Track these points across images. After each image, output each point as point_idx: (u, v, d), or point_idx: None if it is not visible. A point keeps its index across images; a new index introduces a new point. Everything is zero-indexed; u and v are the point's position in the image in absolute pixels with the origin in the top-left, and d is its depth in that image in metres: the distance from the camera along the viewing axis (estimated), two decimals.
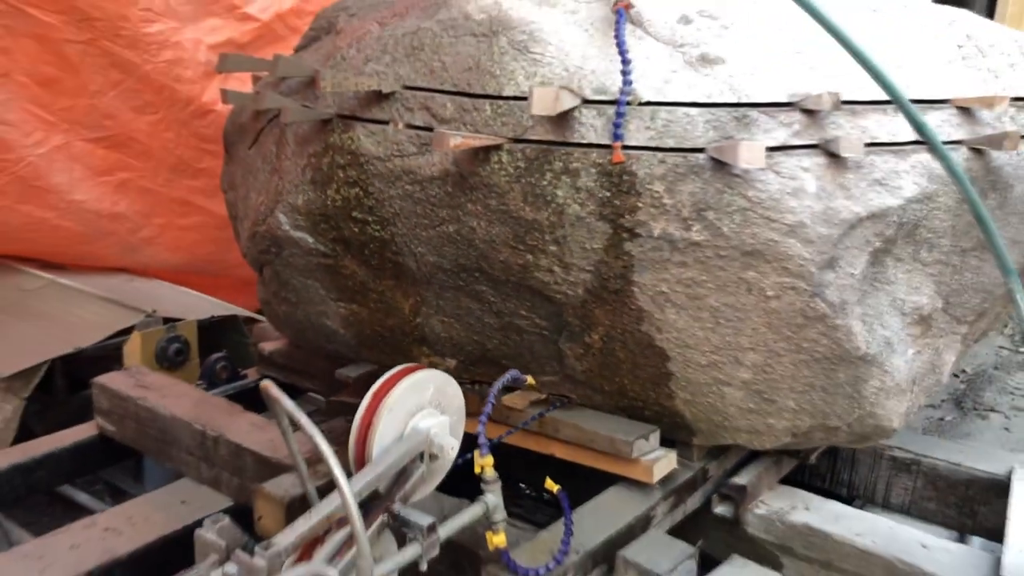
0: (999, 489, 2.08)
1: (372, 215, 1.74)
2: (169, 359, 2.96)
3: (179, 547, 1.94)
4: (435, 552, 1.43)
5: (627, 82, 1.46)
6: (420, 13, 1.77)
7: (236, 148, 2.15)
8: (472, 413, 1.78)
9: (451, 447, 1.51)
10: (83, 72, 3.05)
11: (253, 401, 2.50)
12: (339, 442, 1.55)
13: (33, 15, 2.88)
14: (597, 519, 1.74)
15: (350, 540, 1.33)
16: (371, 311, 1.94)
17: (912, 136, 1.57)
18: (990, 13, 3.53)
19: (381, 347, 2.02)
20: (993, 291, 1.85)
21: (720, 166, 1.44)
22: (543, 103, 1.38)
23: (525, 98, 1.50)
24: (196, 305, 3.31)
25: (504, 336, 1.84)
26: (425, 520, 1.41)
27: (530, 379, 1.68)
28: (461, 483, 1.72)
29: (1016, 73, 1.81)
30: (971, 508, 2.17)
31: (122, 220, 3.40)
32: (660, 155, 1.46)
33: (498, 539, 1.53)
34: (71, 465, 2.50)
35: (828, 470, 2.37)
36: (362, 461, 1.45)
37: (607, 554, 1.66)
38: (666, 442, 1.88)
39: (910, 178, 1.57)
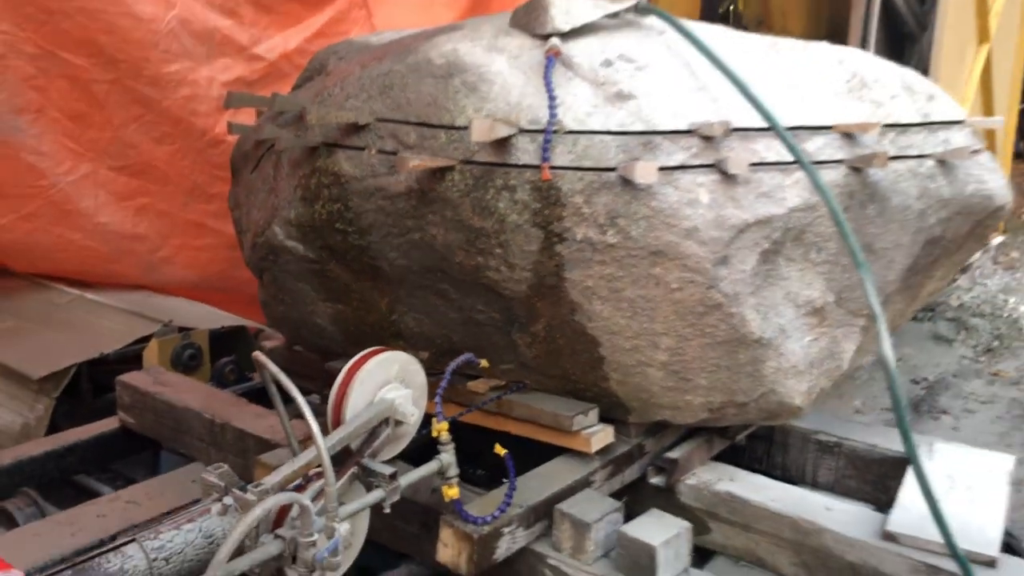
0: (906, 466, 2.37)
1: (352, 226, 2.08)
2: (184, 363, 3.29)
3: None
4: (396, 497, 1.74)
5: (553, 115, 1.79)
6: (393, 58, 2.12)
7: (241, 172, 2.50)
8: (443, 400, 2.11)
9: (412, 414, 1.84)
10: (109, 108, 3.39)
11: (258, 399, 2.83)
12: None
13: (66, 58, 3.23)
14: (542, 481, 2.05)
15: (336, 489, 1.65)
16: (354, 309, 2.27)
17: (791, 157, 1.90)
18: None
19: (364, 342, 2.33)
20: (883, 288, 2.16)
21: (627, 182, 1.77)
22: (480, 132, 1.72)
23: None
24: (208, 316, 3.64)
25: (466, 329, 2.16)
26: (388, 470, 1.73)
27: (483, 362, 2.01)
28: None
29: (897, 103, 2.14)
30: (884, 484, 2.46)
31: (142, 241, 3.73)
32: (580, 173, 1.79)
33: (452, 492, 1.84)
34: (95, 453, 2.83)
35: (764, 453, 2.67)
36: (337, 423, 1.78)
37: (547, 510, 1.97)
38: (609, 420, 2.20)
39: (794, 191, 1.90)
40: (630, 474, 2.26)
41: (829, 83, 2.11)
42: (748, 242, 1.86)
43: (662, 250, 1.81)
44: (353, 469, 1.75)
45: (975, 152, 2.19)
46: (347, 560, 1.76)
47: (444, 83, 1.94)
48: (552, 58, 1.87)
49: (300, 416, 1.55)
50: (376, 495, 1.71)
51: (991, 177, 2.22)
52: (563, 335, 2.02)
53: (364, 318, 2.27)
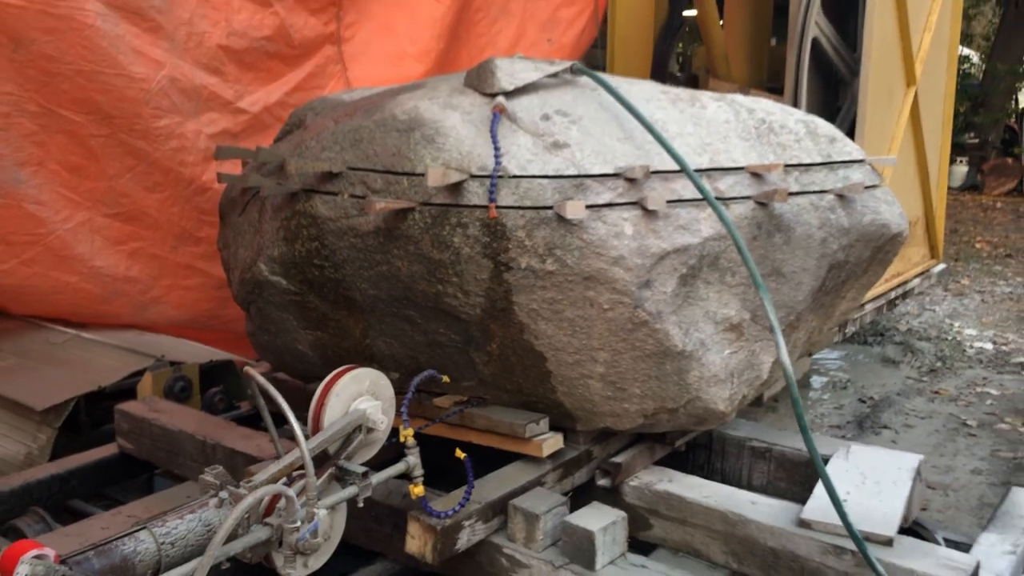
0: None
1: (328, 261, 2.37)
2: (175, 395, 3.54)
3: None
4: (368, 493, 2.02)
5: (497, 163, 2.10)
6: (363, 114, 2.42)
7: (229, 216, 2.79)
8: (411, 415, 2.40)
9: (381, 422, 2.11)
10: (104, 160, 3.65)
11: (246, 423, 3.08)
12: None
13: (65, 115, 3.50)
14: (499, 482, 2.33)
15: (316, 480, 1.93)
16: (331, 336, 2.55)
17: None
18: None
19: (341, 365, 2.62)
20: (794, 308, 2.47)
21: (562, 218, 2.07)
22: (435, 178, 2.02)
23: None
24: (198, 352, 3.89)
25: (431, 350, 2.45)
26: (360, 469, 2.01)
27: (445, 377, 2.29)
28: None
29: (800, 146, 2.46)
30: (810, 484, 2.72)
31: (134, 282, 3.96)
32: (521, 212, 2.09)
33: (417, 490, 2.11)
34: (96, 477, 3.08)
35: (705, 460, 2.96)
36: (316, 430, 2.05)
37: (503, 506, 2.25)
38: (560, 429, 2.48)
39: (707, 223, 2.21)
40: (580, 477, 2.53)
41: (741, 130, 2.43)
42: (668, 268, 2.16)
43: (594, 275, 2.11)
44: (331, 470, 2.03)
45: (871, 187, 2.51)
46: (326, 550, 2.03)
47: (406, 136, 2.24)
48: (497, 114, 2.19)
49: (285, 426, 1.83)
50: (351, 490, 1.99)
51: (886, 208, 2.55)
52: (514, 353, 2.30)
53: (341, 344, 2.55)
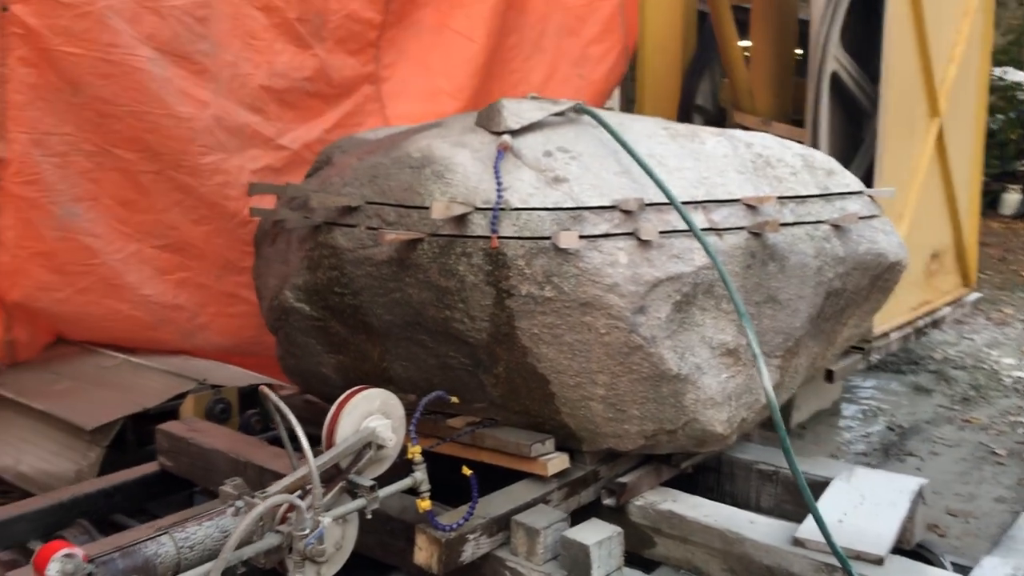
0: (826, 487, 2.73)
1: (347, 289, 2.53)
2: (215, 416, 3.72)
3: None
4: (376, 505, 2.16)
5: (500, 197, 2.25)
6: (382, 152, 2.60)
7: (261, 247, 2.98)
8: (426, 435, 2.55)
9: (391, 439, 2.26)
10: (153, 194, 3.87)
11: (278, 443, 3.25)
12: None
13: (118, 154, 3.73)
14: (505, 499, 2.45)
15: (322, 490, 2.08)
16: (352, 359, 2.71)
17: (701, 225, 2.33)
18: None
19: None
20: (792, 334, 2.56)
21: (558, 247, 2.21)
22: (438, 211, 2.18)
23: None
24: (238, 376, 4.08)
25: (443, 373, 2.59)
26: (368, 483, 2.15)
27: (454, 398, 2.43)
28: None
29: (797, 178, 2.57)
30: None
31: (181, 310, 4.16)
32: (521, 242, 2.23)
33: (424, 504, 2.25)
34: (138, 493, 3.28)
35: (715, 483, 3.04)
36: (330, 446, 2.20)
37: (507, 521, 2.37)
38: (567, 450, 2.59)
39: (701, 253, 2.32)
40: (586, 496, 2.64)
41: (739, 164, 2.54)
42: (662, 295, 2.28)
43: (590, 302, 2.24)
44: (342, 483, 2.17)
45: (867, 217, 2.60)
46: (338, 560, 2.18)
47: (418, 172, 2.40)
48: (501, 151, 2.34)
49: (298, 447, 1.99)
50: (359, 502, 2.13)
51: (883, 238, 2.63)
52: (519, 375, 2.43)
53: (360, 367, 2.71)
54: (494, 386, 2.51)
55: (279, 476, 2.85)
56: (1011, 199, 12.76)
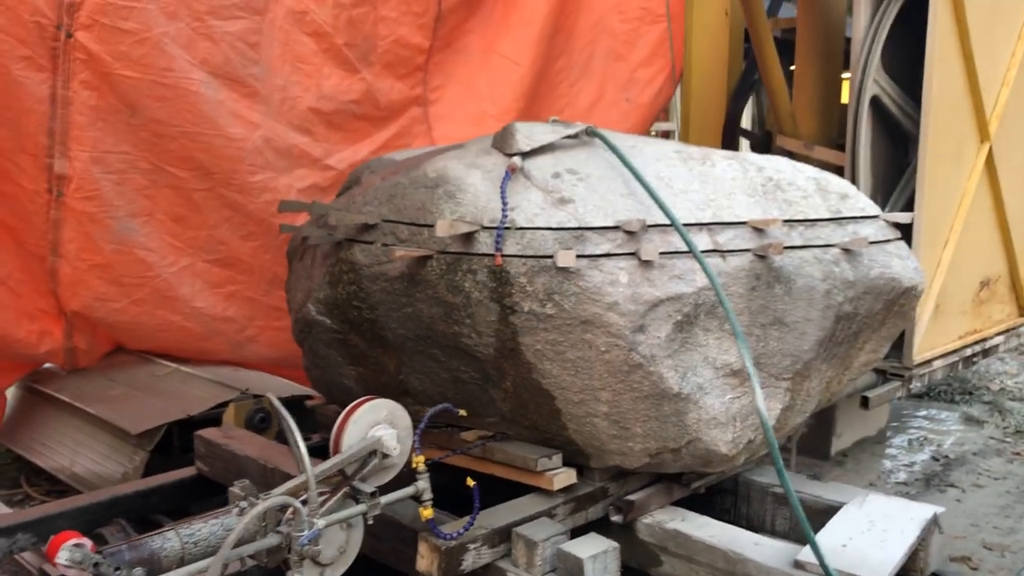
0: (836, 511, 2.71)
1: (364, 303, 2.63)
2: (255, 425, 3.87)
3: None
4: (377, 511, 2.24)
5: (504, 215, 2.33)
6: (403, 172, 2.70)
7: (292, 263, 3.11)
8: (440, 447, 2.63)
9: (395, 448, 2.33)
10: (204, 211, 4.06)
11: (318, 454, 3.37)
12: None
13: (171, 171, 3.93)
14: (509, 511, 2.50)
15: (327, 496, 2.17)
16: (371, 371, 2.81)
17: (705, 246, 2.36)
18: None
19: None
20: (800, 356, 2.57)
21: (559, 266, 2.27)
22: (442, 229, 2.26)
23: None
24: (280, 386, 4.23)
25: (456, 387, 2.67)
26: (370, 489, 2.23)
27: (462, 412, 2.51)
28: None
29: (808, 202, 2.58)
30: None
31: (231, 322, 4.33)
32: (524, 260, 2.30)
33: (427, 512, 2.32)
34: (175, 495, 3.41)
35: (732, 506, 3.04)
36: (336, 452, 2.29)
37: (509, 532, 2.42)
38: (576, 466, 2.63)
39: (703, 274, 2.35)
40: (594, 512, 2.68)
41: (748, 187, 2.57)
42: (662, 314, 2.32)
43: (590, 319, 2.29)
44: (345, 489, 2.26)
45: (882, 241, 2.59)
46: (343, 563, 2.26)
47: (432, 192, 2.49)
48: (509, 173, 2.42)
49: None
50: (360, 508, 2.21)
51: (898, 263, 2.62)
52: (526, 391, 2.49)
53: (379, 378, 2.80)
54: (503, 400, 2.57)
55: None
56: None
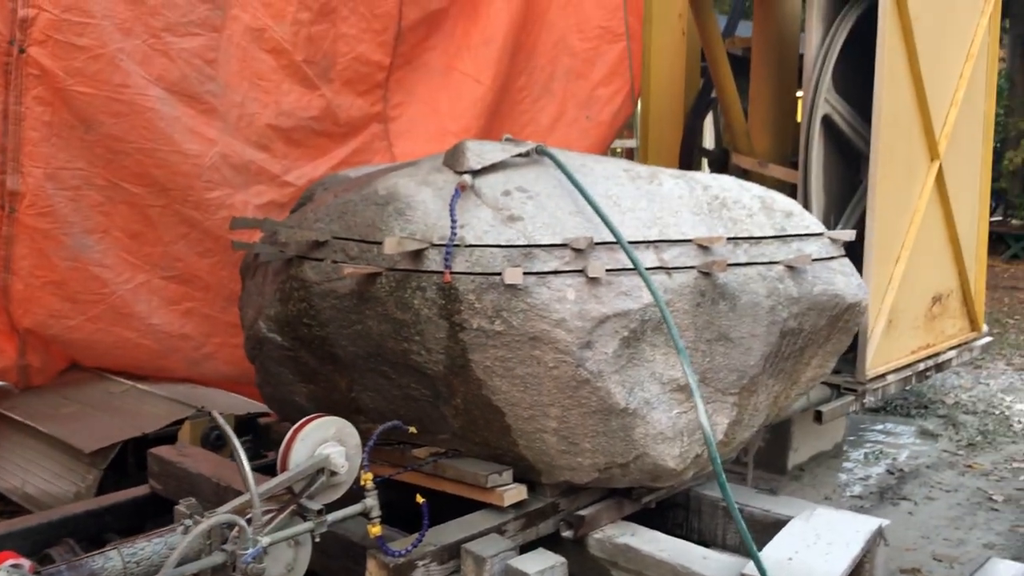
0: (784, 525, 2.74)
1: (315, 320, 2.63)
2: (211, 443, 3.83)
3: None
4: (324, 528, 2.23)
5: (453, 233, 2.34)
6: (355, 189, 2.71)
7: (245, 280, 3.10)
8: (393, 464, 2.63)
9: (343, 466, 2.33)
10: (160, 227, 4.02)
11: (264, 471, 3.35)
12: None
13: (126, 188, 3.89)
14: (460, 527, 2.51)
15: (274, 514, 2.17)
16: (322, 389, 2.81)
17: (651, 264, 2.39)
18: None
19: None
20: (746, 371, 2.60)
21: (507, 284, 2.29)
22: (390, 246, 2.28)
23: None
24: (238, 404, 4.19)
25: (407, 404, 2.67)
26: (317, 507, 2.23)
27: (412, 428, 2.51)
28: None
29: (753, 220, 2.62)
30: None
31: (188, 339, 4.29)
32: (472, 277, 2.32)
33: (375, 529, 2.31)
34: (128, 513, 3.38)
35: (683, 520, 3.07)
36: (284, 470, 2.29)
37: (458, 549, 2.42)
38: (527, 481, 2.65)
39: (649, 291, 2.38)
40: (544, 528, 2.69)
41: (694, 205, 2.61)
42: (609, 330, 2.34)
43: (538, 336, 2.31)
44: (292, 507, 2.26)
45: (825, 259, 2.64)
46: None
47: (382, 209, 2.51)
48: (458, 190, 2.43)
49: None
50: (307, 525, 2.21)
51: (841, 279, 2.67)
52: (477, 407, 2.50)
53: (330, 396, 2.80)
54: (454, 417, 2.58)
55: None
56: None
